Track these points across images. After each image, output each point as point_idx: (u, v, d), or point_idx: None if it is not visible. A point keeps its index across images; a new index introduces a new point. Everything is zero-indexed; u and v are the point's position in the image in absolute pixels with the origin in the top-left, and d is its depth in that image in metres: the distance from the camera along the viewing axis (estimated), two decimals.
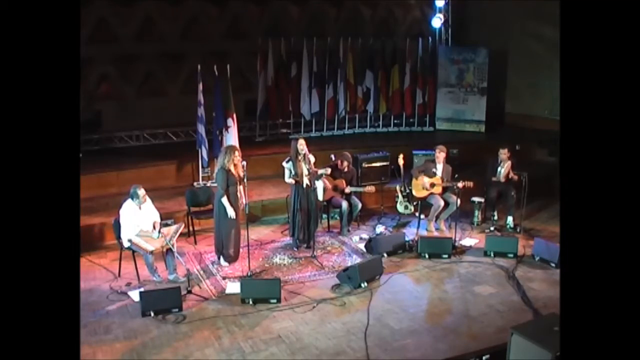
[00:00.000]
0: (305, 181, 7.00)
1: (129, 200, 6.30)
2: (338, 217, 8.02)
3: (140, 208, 6.31)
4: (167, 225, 6.51)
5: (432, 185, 7.85)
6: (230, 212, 6.55)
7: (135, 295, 5.86)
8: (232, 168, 6.62)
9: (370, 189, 8.03)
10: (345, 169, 7.91)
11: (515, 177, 7.86)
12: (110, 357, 4.87)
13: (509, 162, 7.99)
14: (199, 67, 8.95)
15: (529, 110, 12.09)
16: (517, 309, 5.74)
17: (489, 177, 8.13)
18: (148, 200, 6.43)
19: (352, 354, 4.92)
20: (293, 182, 7.04)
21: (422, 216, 8.11)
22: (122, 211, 6.28)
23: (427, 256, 7.01)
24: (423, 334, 5.28)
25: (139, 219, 6.28)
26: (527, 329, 4.44)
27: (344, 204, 7.73)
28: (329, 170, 7.60)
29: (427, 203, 7.96)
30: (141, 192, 6.28)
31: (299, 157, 6.97)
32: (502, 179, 7.98)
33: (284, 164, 7.15)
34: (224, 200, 6.55)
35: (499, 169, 8.01)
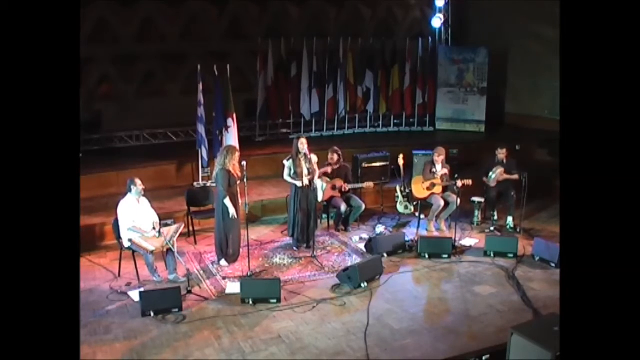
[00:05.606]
0: (305, 181, 7.00)
1: (128, 195, 6.33)
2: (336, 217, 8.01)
3: (138, 201, 6.33)
4: (167, 225, 6.51)
5: (433, 185, 7.85)
6: (233, 212, 6.56)
7: (135, 295, 5.86)
8: (231, 168, 6.63)
9: (369, 184, 8.03)
10: (336, 163, 7.84)
11: (515, 177, 7.85)
12: (110, 357, 4.87)
13: (502, 169, 7.93)
14: (199, 67, 8.95)
15: (529, 110, 12.09)
16: (517, 309, 5.73)
17: (482, 177, 8.11)
18: (145, 200, 6.45)
19: (352, 354, 4.92)
20: (292, 180, 7.04)
21: (422, 216, 8.11)
22: (119, 207, 6.30)
23: (427, 256, 7.01)
24: (423, 334, 5.28)
25: (135, 213, 6.29)
26: (527, 329, 4.44)
27: (343, 207, 7.72)
28: (317, 174, 7.24)
29: (428, 203, 7.96)
30: (138, 181, 6.32)
31: (300, 156, 6.98)
32: (492, 184, 7.97)
33: (285, 161, 7.15)
34: (227, 201, 6.56)
35: (490, 173, 7.97)
